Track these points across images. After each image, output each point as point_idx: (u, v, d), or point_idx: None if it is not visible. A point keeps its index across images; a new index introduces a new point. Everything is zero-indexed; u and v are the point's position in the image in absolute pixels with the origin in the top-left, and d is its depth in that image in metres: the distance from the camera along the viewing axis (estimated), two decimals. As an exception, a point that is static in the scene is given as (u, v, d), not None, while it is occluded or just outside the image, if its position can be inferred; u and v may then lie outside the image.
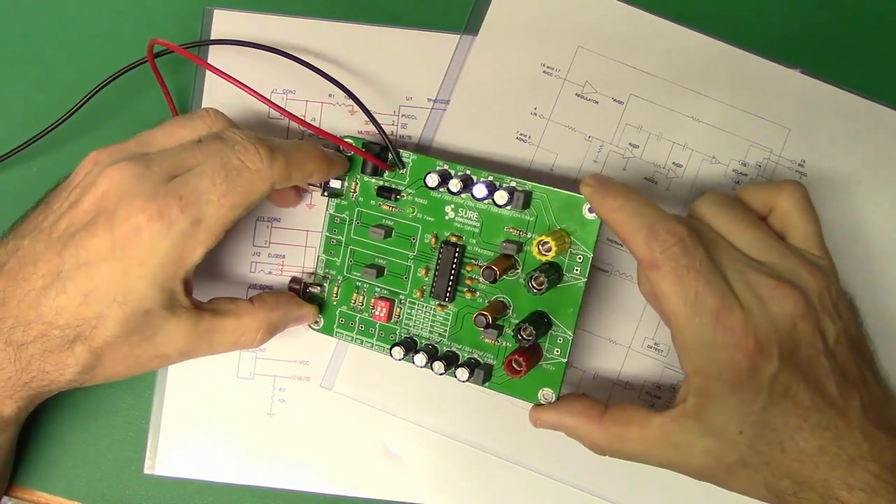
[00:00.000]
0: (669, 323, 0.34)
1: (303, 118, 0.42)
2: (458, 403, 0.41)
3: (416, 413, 0.41)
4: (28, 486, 0.42)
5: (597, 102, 0.41)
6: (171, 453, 0.42)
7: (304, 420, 0.42)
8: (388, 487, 0.41)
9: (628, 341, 0.41)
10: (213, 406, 0.42)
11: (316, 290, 0.40)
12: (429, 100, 0.42)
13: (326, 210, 0.40)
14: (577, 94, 0.41)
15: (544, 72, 0.41)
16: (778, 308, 0.33)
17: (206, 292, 0.41)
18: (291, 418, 0.42)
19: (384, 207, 0.39)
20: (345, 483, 0.41)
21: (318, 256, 0.41)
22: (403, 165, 0.39)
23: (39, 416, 0.42)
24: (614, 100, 0.41)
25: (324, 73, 0.39)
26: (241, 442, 0.42)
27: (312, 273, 0.41)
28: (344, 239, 0.40)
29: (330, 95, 0.42)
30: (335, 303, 0.41)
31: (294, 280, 0.41)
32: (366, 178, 0.40)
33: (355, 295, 0.40)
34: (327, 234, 0.40)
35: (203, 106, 0.42)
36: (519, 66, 0.42)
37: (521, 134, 0.41)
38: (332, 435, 0.42)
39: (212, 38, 0.42)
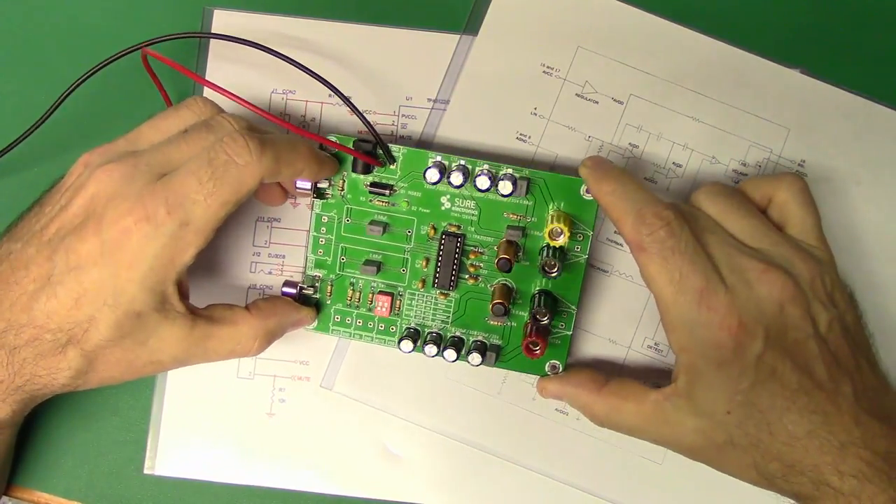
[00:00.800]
0: (657, 303, 0.35)
1: (303, 128, 0.42)
2: (458, 403, 0.41)
3: (416, 413, 0.41)
4: (28, 486, 0.42)
5: (597, 102, 0.41)
6: (171, 453, 0.42)
7: (304, 420, 0.42)
8: (388, 487, 0.41)
9: (628, 341, 0.41)
10: (213, 406, 0.42)
11: (310, 291, 0.40)
12: (429, 100, 0.42)
13: (312, 210, 0.40)
14: (577, 94, 0.41)
15: (544, 72, 0.41)
16: (765, 291, 0.34)
17: (205, 292, 0.41)
18: (291, 418, 0.42)
19: (377, 203, 0.40)
20: (345, 483, 0.42)
21: (307, 257, 0.41)
22: (394, 160, 0.39)
23: (39, 417, 0.42)
24: (614, 100, 0.41)
25: (307, 68, 0.38)
26: (241, 442, 0.42)
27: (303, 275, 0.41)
28: (334, 237, 0.40)
29: (330, 96, 0.42)
30: (329, 301, 0.40)
31: (288, 283, 0.41)
32: (353, 175, 0.39)
33: (350, 291, 0.40)
34: (314, 233, 0.40)
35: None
36: (519, 66, 0.42)
37: (521, 134, 0.41)
38: (332, 435, 0.42)
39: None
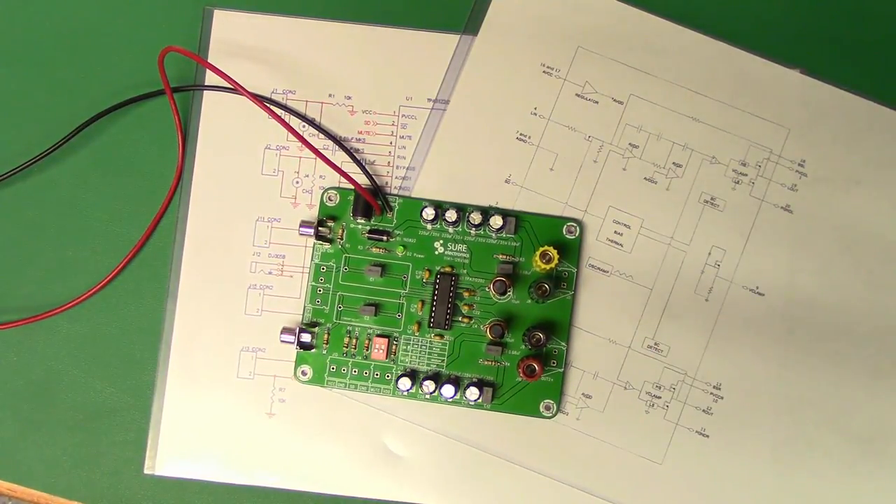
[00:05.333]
0: None
1: (323, 154, 0.42)
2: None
3: (416, 413, 0.41)
4: (28, 486, 0.42)
5: (597, 102, 0.41)
6: (171, 453, 0.42)
7: (304, 420, 0.42)
8: (388, 488, 0.41)
9: (628, 341, 0.41)
10: (213, 406, 0.42)
11: (307, 338, 0.41)
12: (429, 100, 0.42)
13: (312, 260, 0.41)
14: (577, 94, 0.41)
15: (544, 72, 0.41)
16: None
17: (204, 291, 0.41)
18: (291, 418, 0.42)
19: (374, 250, 0.41)
20: (345, 483, 0.41)
21: (305, 307, 0.41)
22: (391, 209, 0.41)
23: (39, 416, 0.42)
24: (614, 100, 0.41)
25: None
26: (242, 442, 0.42)
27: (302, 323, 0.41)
28: (332, 286, 0.41)
29: (330, 95, 0.42)
30: (325, 352, 0.41)
31: (286, 330, 0.41)
32: (352, 225, 0.41)
33: (347, 339, 0.41)
34: (313, 283, 0.41)
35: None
36: (519, 66, 0.42)
37: (521, 134, 0.41)
38: (332, 435, 0.42)
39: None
